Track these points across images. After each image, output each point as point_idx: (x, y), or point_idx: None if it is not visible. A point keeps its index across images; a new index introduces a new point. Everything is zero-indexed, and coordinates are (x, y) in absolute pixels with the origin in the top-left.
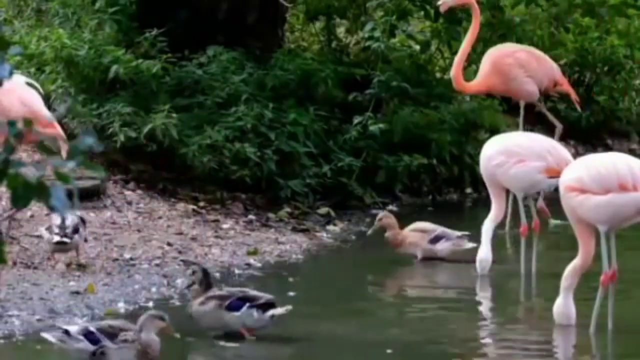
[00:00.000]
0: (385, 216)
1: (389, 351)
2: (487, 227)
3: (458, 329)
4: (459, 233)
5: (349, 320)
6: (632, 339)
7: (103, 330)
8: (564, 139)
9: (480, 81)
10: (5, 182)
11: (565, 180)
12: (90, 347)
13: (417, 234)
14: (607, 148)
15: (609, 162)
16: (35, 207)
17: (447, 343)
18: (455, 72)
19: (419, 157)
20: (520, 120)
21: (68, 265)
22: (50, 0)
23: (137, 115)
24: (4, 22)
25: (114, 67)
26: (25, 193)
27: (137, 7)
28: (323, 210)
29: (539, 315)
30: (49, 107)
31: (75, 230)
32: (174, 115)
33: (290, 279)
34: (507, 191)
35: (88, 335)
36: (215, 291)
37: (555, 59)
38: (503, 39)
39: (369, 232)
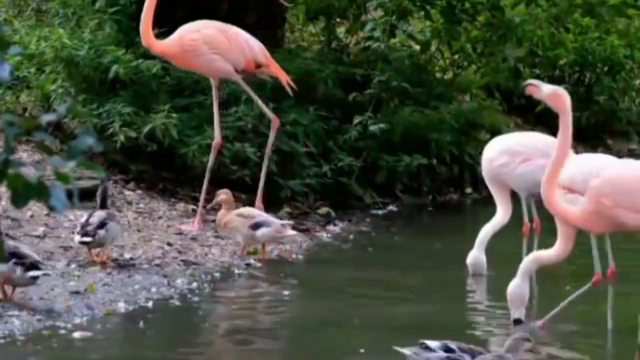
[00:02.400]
0: (224, 193)
1: (388, 351)
2: (487, 230)
3: (457, 329)
4: (282, 221)
5: (349, 320)
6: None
7: (463, 349)
8: None
9: (167, 45)
10: (5, 182)
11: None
12: None
13: (240, 219)
14: (607, 148)
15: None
16: (35, 207)
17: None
18: (144, 25)
19: (419, 157)
20: None
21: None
22: (50, 0)
23: (137, 115)
24: (4, 22)
25: (114, 67)
26: (25, 193)
27: (137, 7)
28: (323, 210)
29: (539, 315)
30: (49, 107)
31: (101, 226)
32: (174, 115)
33: (290, 279)
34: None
35: (448, 350)
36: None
37: (555, 59)
38: (503, 39)
39: (209, 205)
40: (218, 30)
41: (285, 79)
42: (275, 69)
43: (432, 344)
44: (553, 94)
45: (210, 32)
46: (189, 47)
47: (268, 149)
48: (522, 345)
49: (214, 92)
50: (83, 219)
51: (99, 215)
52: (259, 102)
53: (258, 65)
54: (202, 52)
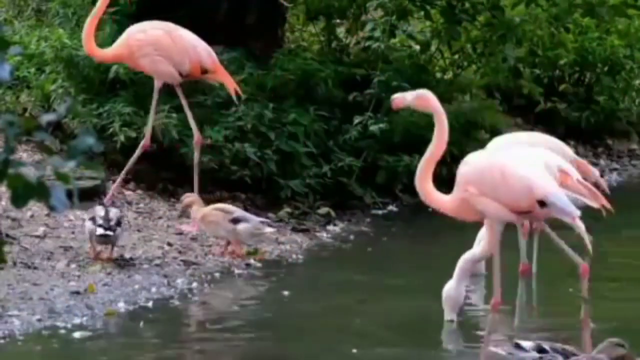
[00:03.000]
0: (188, 196)
1: (388, 351)
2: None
3: (457, 328)
4: (260, 218)
5: (349, 320)
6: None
7: (556, 349)
8: (564, 139)
9: (111, 50)
10: (5, 182)
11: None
12: None
13: (220, 213)
14: (608, 148)
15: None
16: (36, 207)
17: (445, 343)
18: (86, 35)
19: (419, 157)
20: None
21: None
22: (50, 0)
23: (137, 115)
24: (4, 22)
25: (114, 67)
26: (25, 193)
27: (137, 7)
28: (323, 210)
29: (540, 315)
30: (49, 107)
31: (119, 223)
32: (174, 115)
33: (290, 279)
34: None
35: (541, 351)
36: None
37: (555, 59)
38: (503, 39)
39: (179, 212)
40: (165, 32)
41: (232, 86)
42: (222, 76)
43: (525, 344)
44: (418, 99)
45: (156, 33)
46: (134, 48)
47: (196, 169)
48: (614, 350)
49: (155, 94)
50: (102, 213)
51: (115, 212)
52: (189, 115)
53: (204, 71)
54: (147, 53)
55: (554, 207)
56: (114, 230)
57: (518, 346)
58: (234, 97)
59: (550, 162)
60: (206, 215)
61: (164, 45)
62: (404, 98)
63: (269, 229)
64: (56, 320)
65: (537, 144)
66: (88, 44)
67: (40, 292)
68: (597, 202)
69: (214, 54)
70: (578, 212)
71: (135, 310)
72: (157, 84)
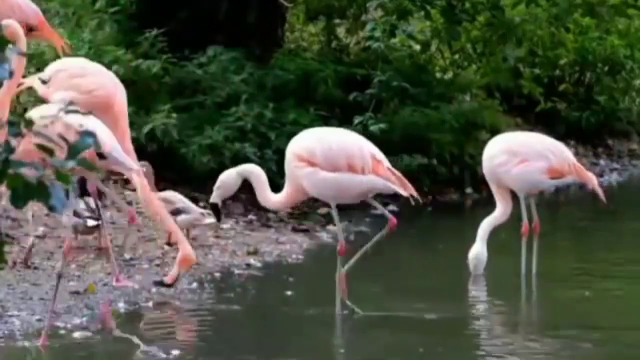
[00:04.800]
0: (143, 165)
1: (387, 351)
2: (485, 225)
3: (457, 328)
4: (201, 210)
5: (349, 320)
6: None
7: None
8: (564, 139)
9: None
10: (5, 182)
11: (295, 149)
12: None
13: (161, 203)
14: (608, 148)
15: (341, 141)
16: (35, 207)
17: (445, 340)
18: None
19: (419, 157)
20: None
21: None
22: (50, 0)
23: (137, 115)
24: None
25: (114, 67)
26: (25, 193)
27: (137, 7)
28: (323, 210)
29: (540, 315)
30: None
31: (99, 210)
32: (174, 115)
33: (290, 279)
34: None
35: None
36: None
37: (555, 59)
38: (503, 38)
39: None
40: None
41: (60, 44)
42: (48, 34)
43: None
44: None
45: None
46: None
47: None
48: None
49: None
50: (83, 205)
51: (91, 200)
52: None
53: (30, 29)
54: None
55: (112, 158)
56: (100, 218)
57: None
58: (61, 54)
59: (365, 149)
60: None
61: None
62: None
63: (208, 220)
64: (56, 320)
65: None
66: None
67: (40, 292)
68: (406, 190)
69: (40, 13)
70: (136, 166)
71: (135, 310)
72: None
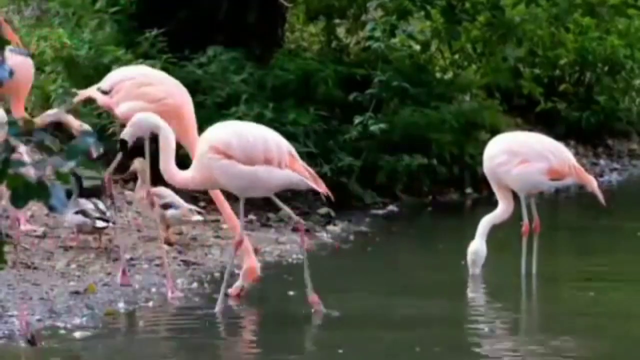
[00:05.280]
0: (138, 161)
1: (387, 350)
2: (486, 222)
3: (457, 328)
4: (190, 206)
5: (349, 320)
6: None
7: None
8: (564, 139)
9: None
10: (5, 182)
11: (212, 140)
12: None
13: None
14: (608, 148)
15: (259, 134)
16: (35, 207)
17: (443, 344)
18: None
19: (419, 157)
20: None
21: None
22: (50, 0)
23: None
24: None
25: (114, 67)
26: (25, 193)
27: (137, 7)
28: (323, 210)
29: (540, 315)
30: (49, 107)
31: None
32: None
33: (290, 279)
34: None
35: None
36: None
37: (555, 59)
38: (503, 38)
39: (123, 176)
40: None
41: (14, 40)
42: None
43: None
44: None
45: None
46: None
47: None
48: None
49: None
50: (91, 206)
51: (100, 203)
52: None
53: None
54: None
55: None
56: (110, 220)
57: None
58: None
59: (282, 144)
60: (142, 198)
61: None
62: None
63: (196, 217)
64: (56, 320)
65: (536, 145)
66: None
67: (40, 292)
68: (321, 188)
69: None
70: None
71: (135, 310)
72: None
